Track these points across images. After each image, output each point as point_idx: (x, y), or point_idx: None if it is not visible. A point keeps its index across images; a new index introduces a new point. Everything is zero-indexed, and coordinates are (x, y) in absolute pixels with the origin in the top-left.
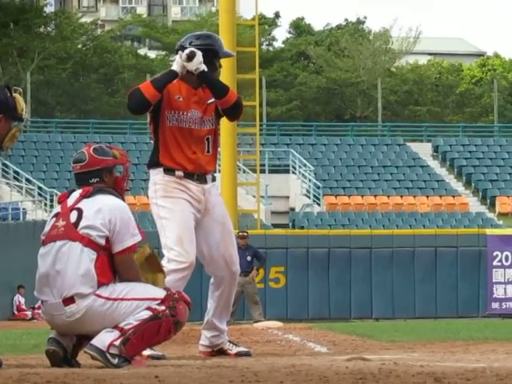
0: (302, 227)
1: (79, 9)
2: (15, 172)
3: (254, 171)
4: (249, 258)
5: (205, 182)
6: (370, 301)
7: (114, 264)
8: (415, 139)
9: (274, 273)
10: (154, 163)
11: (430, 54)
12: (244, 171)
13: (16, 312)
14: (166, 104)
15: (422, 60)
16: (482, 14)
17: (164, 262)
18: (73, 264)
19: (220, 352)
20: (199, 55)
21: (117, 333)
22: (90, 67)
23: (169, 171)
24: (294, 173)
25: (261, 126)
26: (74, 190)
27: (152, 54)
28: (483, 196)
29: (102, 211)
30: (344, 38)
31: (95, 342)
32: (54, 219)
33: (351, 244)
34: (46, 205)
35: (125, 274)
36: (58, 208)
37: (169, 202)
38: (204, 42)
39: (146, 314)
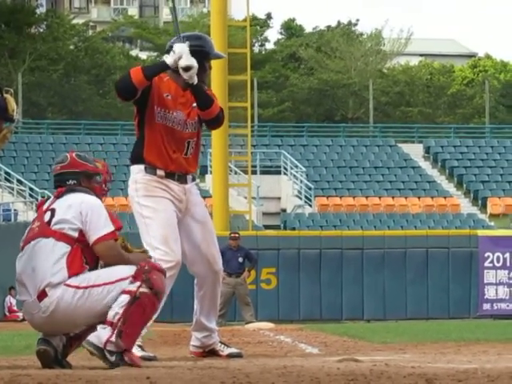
0: (294, 228)
1: (71, 10)
2: (6, 173)
3: (246, 172)
4: (240, 260)
5: (185, 182)
6: (362, 302)
7: (98, 255)
8: (407, 140)
9: (265, 274)
10: (137, 158)
11: (421, 55)
12: (235, 172)
13: (7, 313)
14: (155, 99)
15: (414, 61)
16: (474, 15)
17: None
18: (45, 258)
19: (211, 353)
20: (195, 69)
21: (109, 328)
22: (81, 68)
23: (150, 169)
24: (285, 174)
25: (252, 127)
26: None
27: (143, 55)
28: (474, 197)
29: (72, 206)
30: (335, 39)
31: (92, 338)
32: (31, 224)
33: (343, 245)
34: (37, 206)
35: (106, 262)
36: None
37: (151, 201)
38: (195, 42)
39: (126, 299)
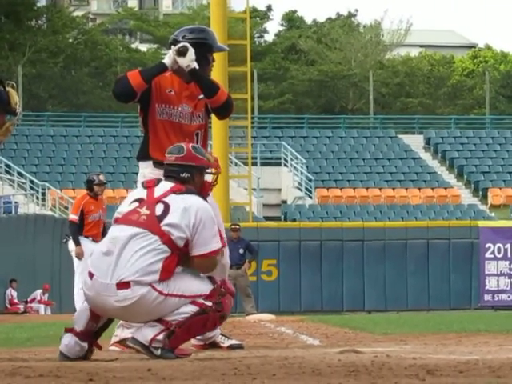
0: (294, 220)
1: (70, 2)
2: (7, 165)
3: (246, 164)
4: (241, 251)
5: None
6: (363, 293)
7: (193, 264)
8: (407, 131)
9: (266, 265)
10: (143, 156)
11: (421, 46)
12: (236, 164)
13: (8, 306)
14: (157, 97)
15: (414, 52)
16: (473, 6)
17: None
18: (143, 254)
19: (212, 345)
20: (191, 52)
21: (160, 327)
22: (81, 61)
23: (158, 164)
24: (285, 165)
25: (252, 118)
26: (160, 180)
27: (143, 48)
28: (475, 188)
29: (188, 212)
30: (335, 30)
31: (138, 336)
32: (137, 204)
33: (343, 236)
34: (37, 198)
35: (201, 272)
36: (142, 193)
37: None
38: (197, 35)
39: (194, 309)
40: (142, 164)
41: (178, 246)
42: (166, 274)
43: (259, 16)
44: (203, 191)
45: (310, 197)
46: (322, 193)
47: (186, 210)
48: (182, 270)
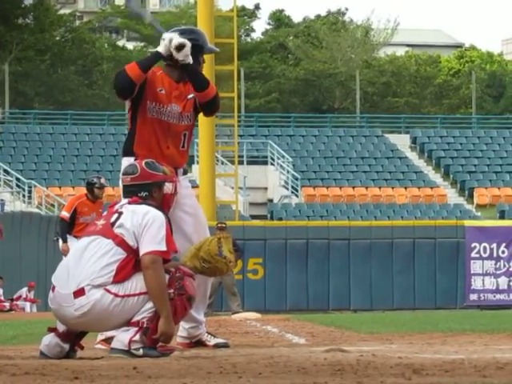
0: (281, 218)
1: (57, 0)
2: None
3: (233, 162)
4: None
5: (176, 175)
6: (349, 292)
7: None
8: (393, 131)
9: (252, 264)
10: (127, 151)
11: (407, 45)
12: (222, 162)
13: None
14: (149, 94)
15: (400, 51)
16: (460, 6)
17: None
18: (97, 258)
19: (198, 343)
20: (188, 47)
21: (133, 329)
22: (68, 59)
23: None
24: (272, 164)
25: (239, 117)
26: None
27: (130, 46)
28: (461, 187)
29: (136, 214)
30: (322, 29)
31: (115, 345)
32: (98, 219)
33: (329, 235)
34: (24, 196)
35: (146, 277)
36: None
37: None
38: (189, 36)
39: (153, 307)
40: (125, 159)
41: (132, 246)
42: (121, 275)
43: (247, 15)
44: (165, 204)
45: (297, 195)
46: (308, 191)
47: (134, 213)
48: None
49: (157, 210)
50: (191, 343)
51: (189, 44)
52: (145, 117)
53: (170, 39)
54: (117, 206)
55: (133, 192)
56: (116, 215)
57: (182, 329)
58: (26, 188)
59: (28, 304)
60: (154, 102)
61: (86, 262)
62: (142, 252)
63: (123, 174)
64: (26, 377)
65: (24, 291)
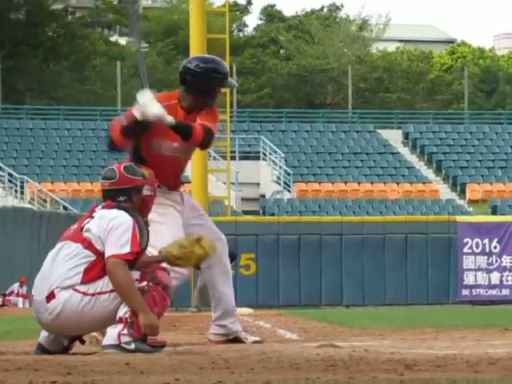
0: (273, 214)
1: None
2: None
3: (225, 158)
4: None
5: (179, 188)
6: (341, 287)
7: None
8: (385, 126)
9: (244, 259)
10: None
11: (399, 40)
12: (214, 158)
13: None
14: (154, 133)
15: (392, 47)
16: (452, 0)
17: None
18: (66, 261)
19: (235, 341)
20: (162, 116)
21: (119, 325)
22: (60, 54)
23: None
24: (264, 159)
25: (231, 112)
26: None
27: (123, 41)
28: (453, 183)
29: (103, 219)
30: (314, 24)
31: (106, 341)
32: (72, 225)
33: (321, 231)
34: (16, 191)
35: (112, 280)
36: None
37: (156, 207)
38: (211, 66)
39: None
40: None
41: (100, 250)
42: (89, 276)
43: (239, 10)
44: (144, 207)
45: (289, 191)
46: (300, 187)
47: (102, 218)
48: None
49: (127, 214)
50: (228, 340)
51: (160, 113)
52: (149, 152)
53: (144, 108)
54: (96, 210)
55: (112, 196)
56: (88, 219)
57: (218, 326)
58: (19, 183)
59: (20, 299)
60: (161, 139)
61: (56, 267)
62: (106, 256)
63: (102, 179)
64: (19, 372)
65: (16, 287)
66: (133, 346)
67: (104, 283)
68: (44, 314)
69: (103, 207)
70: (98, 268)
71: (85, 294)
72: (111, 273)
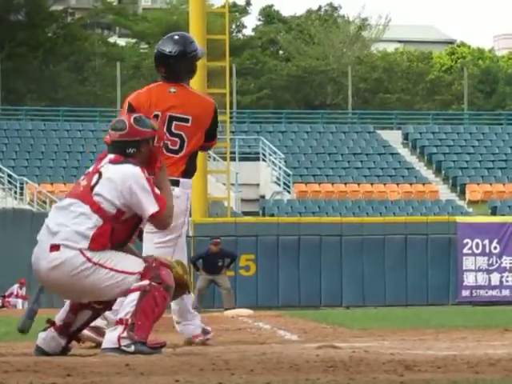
0: (272, 215)
1: None
2: None
3: (225, 159)
4: (220, 263)
5: None
6: (341, 288)
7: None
8: (385, 127)
9: (244, 260)
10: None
11: (399, 41)
12: (214, 159)
13: None
14: None
15: (391, 48)
16: (452, 1)
17: None
18: (75, 222)
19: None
20: None
21: (120, 327)
22: (60, 55)
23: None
24: (264, 160)
25: (231, 113)
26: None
27: (122, 42)
28: (453, 183)
29: (115, 181)
30: (313, 25)
31: (105, 344)
32: (82, 177)
33: (321, 232)
34: (15, 193)
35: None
36: (91, 167)
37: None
38: (183, 48)
39: (135, 295)
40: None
41: (110, 214)
42: (97, 243)
43: (238, 11)
44: (152, 159)
45: (289, 192)
46: (300, 188)
47: (112, 181)
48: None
49: (136, 167)
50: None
51: None
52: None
53: None
54: (102, 163)
55: (120, 148)
56: (96, 177)
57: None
58: (18, 185)
59: (20, 301)
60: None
61: (64, 223)
62: (145, 218)
63: (111, 130)
64: (18, 374)
65: (15, 288)
66: (133, 348)
67: (108, 258)
68: (43, 262)
69: (110, 161)
70: (105, 235)
71: (89, 259)
72: (165, 225)
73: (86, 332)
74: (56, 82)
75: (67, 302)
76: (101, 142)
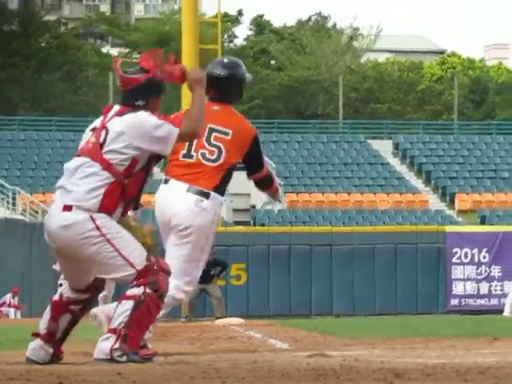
0: (263, 224)
1: (43, 6)
2: None
3: None
4: (212, 272)
5: None
6: (331, 297)
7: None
8: (376, 137)
9: (235, 270)
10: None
11: (390, 51)
12: None
13: None
14: None
15: (383, 58)
16: (442, 11)
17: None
18: (86, 180)
19: None
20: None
21: (112, 337)
22: (53, 65)
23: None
24: None
25: None
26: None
27: (115, 52)
28: (443, 193)
29: (124, 134)
30: (305, 35)
31: (97, 355)
32: (91, 133)
33: (312, 241)
34: (8, 202)
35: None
36: (98, 121)
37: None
38: (234, 71)
39: (130, 304)
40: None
41: (121, 170)
42: (108, 204)
43: (230, 21)
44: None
45: (280, 201)
46: (291, 197)
47: (120, 134)
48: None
49: (141, 115)
50: None
51: None
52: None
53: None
54: (108, 117)
55: (129, 98)
56: (104, 133)
57: None
58: (10, 194)
59: (12, 310)
60: None
61: (77, 183)
62: (178, 135)
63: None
64: (11, 382)
65: (8, 297)
66: (124, 358)
67: (117, 234)
68: (54, 220)
69: (117, 113)
70: (116, 194)
71: (98, 228)
72: (191, 136)
73: (99, 314)
74: (49, 91)
75: (47, 310)
76: None
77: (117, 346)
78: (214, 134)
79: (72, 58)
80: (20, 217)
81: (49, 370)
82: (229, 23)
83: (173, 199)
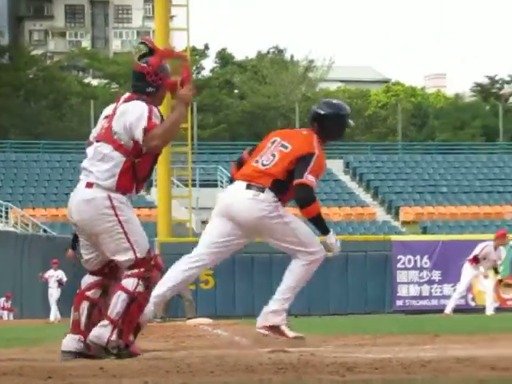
0: None
1: (30, 42)
2: None
3: (187, 185)
4: None
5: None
6: None
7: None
8: (329, 156)
9: (204, 276)
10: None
11: (341, 81)
12: (177, 185)
13: None
14: None
15: (334, 86)
16: (388, 44)
17: (311, 258)
18: (103, 162)
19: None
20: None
21: (110, 326)
22: (40, 94)
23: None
24: (221, 187)
25: (192, 145)
26: None
27: (95, 82)
28: (389, 206)
29: (123, 115)
30: (265, 66)
31: (93, 339)
32: (105, 120)
33: (272, 250)
34: (1, 216)
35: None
36: (110, 108)
37: (288, 214)
38: (344, 112)
39: (125, 296)
40: (268, 197)
41: (129, 149)
42: (124, 183)
43: (198, 54)
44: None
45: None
46: None
47: (121, 115)
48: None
49: (145, 104)
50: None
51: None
52: None
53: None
54: (119, 103)
55: (142, 86)
56: (115, 116)
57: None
58: (3, 209)
59: (5, 312)
60: None
61: (96, 164)
62: (137, 138)
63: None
64: (4, 377)
65: (2, 301)
66: (115, 351)
67: (129, 220)
68: (77, 196)
69: (125, 100)
70: (129, 172)
71: (113, 208)
72: (152, 147)
73: (270, 334)
74: (37, 118)
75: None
76: (77, 171)
77: (114, 338)
78: (276, 145)
79: (57, 88)
80: (12, 229)
81: (40, 365)
82: (197, 56)
83: None
